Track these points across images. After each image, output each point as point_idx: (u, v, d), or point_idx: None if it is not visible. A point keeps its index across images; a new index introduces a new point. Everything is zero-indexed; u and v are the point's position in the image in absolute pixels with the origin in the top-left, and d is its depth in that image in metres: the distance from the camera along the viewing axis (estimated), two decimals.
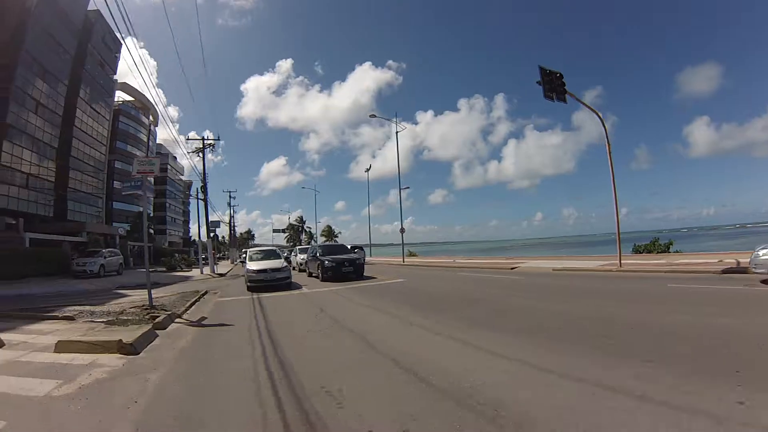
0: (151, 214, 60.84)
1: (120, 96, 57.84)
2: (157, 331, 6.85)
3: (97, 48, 44.89)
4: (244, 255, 30.82)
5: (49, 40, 35.09)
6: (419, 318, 7.38)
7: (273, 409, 3.43)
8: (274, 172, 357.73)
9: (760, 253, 9.07)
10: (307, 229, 77.51)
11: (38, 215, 34.77)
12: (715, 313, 6.40)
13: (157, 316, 7.83)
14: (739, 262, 11.92)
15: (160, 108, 33.07)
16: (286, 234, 78.89)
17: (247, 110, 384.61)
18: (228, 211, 60.10)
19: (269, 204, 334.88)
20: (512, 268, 18.22)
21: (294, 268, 22.69)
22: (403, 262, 29.19)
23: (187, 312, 9.30)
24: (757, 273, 9.18)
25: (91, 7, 41.27)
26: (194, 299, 11.14)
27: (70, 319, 8.18)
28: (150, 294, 9.39)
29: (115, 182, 50.39)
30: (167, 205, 75.28)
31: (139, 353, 5.54)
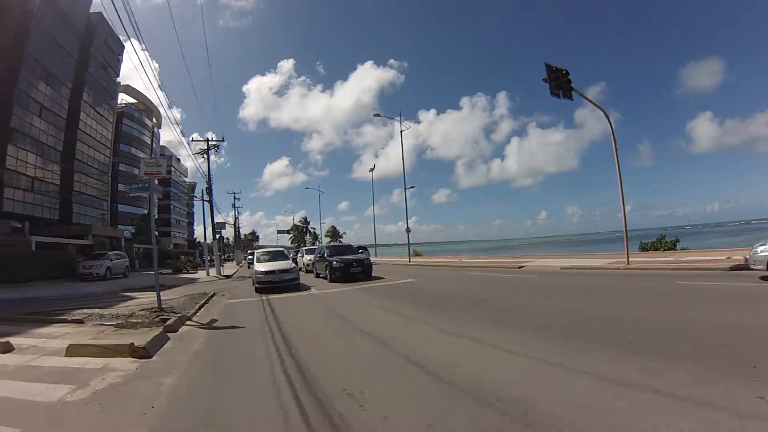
0: (156, 216, 60.87)
1: (123, 98, 57.93)
2: (168, 334, 6.74)
3: (99, 50, 44.88)
4: (251, 256, 30.76)
5: (51, 43, 35.05)
6: (433, 318, 7.29)
7: (295, 412, 3.34)
8: (277, 172, 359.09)
9: (758, 249, 9.17)
10: (312, 230, 77.53)
11: (44, 218, 34.78)
12: (728, 309, 6.38)
13: (168, 319, 7.73)
14: (746, 259, 11.84)
15: (164, 109, 33.08)
16: (291, 235, 78.93)
17: (250, 111, 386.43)
18: (232, 213, 60.17)
19: (273, 205, 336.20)
20: (520, 267, 18.06)
21: (300, 269, 22.58)
22: (410, 262, 29.02)
23: (197, 314, 9.21)
24: (755, 269, 9.27)
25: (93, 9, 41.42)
26: (203, 301, 11.05)
27: (79, 322, 8.09)
28: (159, 296, 9.32)
29: (119, 185, 50.46)
30: (171, 207, 75.37)
31: (151, 357, 5.43)
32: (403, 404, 3.41)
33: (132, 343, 5.51)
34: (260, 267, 14.11)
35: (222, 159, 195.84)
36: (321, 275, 17.88)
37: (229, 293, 14.36)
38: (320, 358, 5.01)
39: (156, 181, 9.88)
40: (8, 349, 5.86)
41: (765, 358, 3.89)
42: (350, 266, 15.75)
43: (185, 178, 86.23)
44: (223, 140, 32.91)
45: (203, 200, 31.25)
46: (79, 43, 39.86)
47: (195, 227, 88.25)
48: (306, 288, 14.09)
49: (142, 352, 5.40)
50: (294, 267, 14.64)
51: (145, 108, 62.75)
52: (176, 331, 7.17)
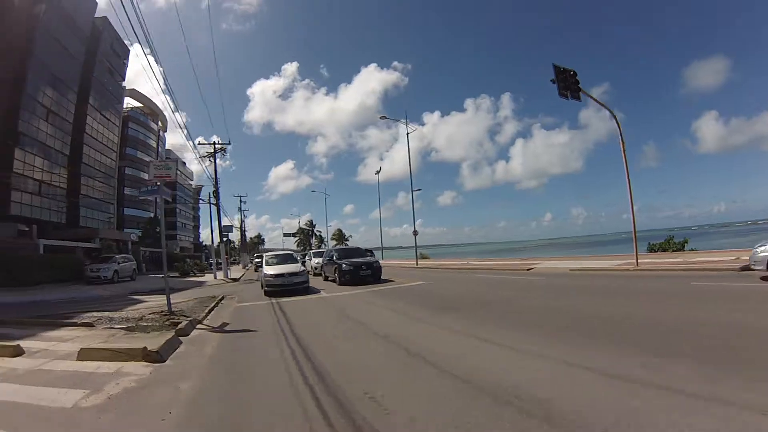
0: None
1: (128, 102, 58.22)
2: (180, 338, 6.63)
3: (105, 55, 45.10)
4: (257, 259, 30.66)
5: (57, 47, 35.23)
6: (446, 320, 7.21)
7: (318, 417, 3.23)
8: (282, 176, 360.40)
9: (759, 250, 9.22)
10: (318, 233, 77.35)
11: (51, 222, 34.90)
12: (743, 309, 6.32)
13: (179, 323, 7.63)
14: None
15: (170, 113, 33.14)
16: (297, 238, 78.69)
17: (254, 114, 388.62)
18: (238, 216, 60.16)
19: (278, 208, 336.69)
20: (528, 269, 17.89)
21: (309, 272, 22.48)
22: (417, 264, 28.84)
23: (207, 318, 9.12)
24: (755, 270, 9.29)
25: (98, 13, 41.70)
26: (212, 305, 10.96)
27: (90, 325, 8.00)
28: (169, 300, 9.22)
29: (125, 188, 50.63)
30: (177, 210, 75.59)
31: (165, 361, 5.32)
32: (429, 408, 3.31)
33: (145, 347, 5.39)
34: (270, 270, 13.99)
35: (227, 162, 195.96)
36: (330, 278, 17.76)
37: (238, 296, 14.26)
38: (337, 362, 4.90)
39: (163, 184, 9.81)
40: (18, 352, 5.76)
41: None
42: (360, 269, 15.62)
43: (190, 182, 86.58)
44: (229, 143, 32.76)
45: (210, 203, 31.27)
46: (84, 48, 40.11)
47: (201, 230, 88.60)
48: (315, 291, 13.97)
49: (156, 356, 5.29)
50: (303, 270, 14.52)
51: (150, 112, 63.10)
52: (188, 335, 7.06)
